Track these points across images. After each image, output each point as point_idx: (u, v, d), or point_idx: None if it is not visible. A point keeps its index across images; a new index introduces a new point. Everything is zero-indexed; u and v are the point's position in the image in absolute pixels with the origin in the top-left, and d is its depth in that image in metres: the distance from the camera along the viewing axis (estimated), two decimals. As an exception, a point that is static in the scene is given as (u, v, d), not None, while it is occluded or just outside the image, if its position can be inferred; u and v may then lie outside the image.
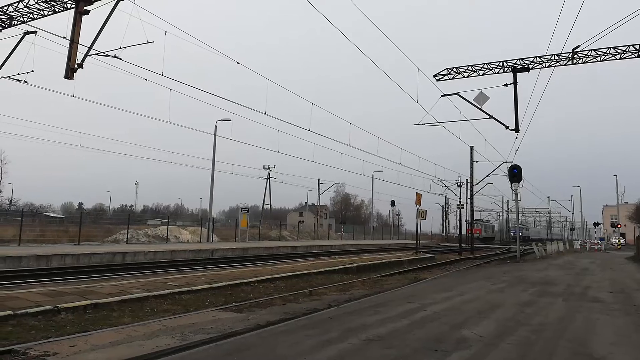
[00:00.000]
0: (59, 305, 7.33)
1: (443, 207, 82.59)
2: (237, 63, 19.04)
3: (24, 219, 25.76)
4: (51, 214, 65.58)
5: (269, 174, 64.99)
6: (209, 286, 10.43)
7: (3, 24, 17.89)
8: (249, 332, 6.33)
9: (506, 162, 30.40)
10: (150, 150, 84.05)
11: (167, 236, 32.97)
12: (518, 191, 28.17)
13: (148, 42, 15.59)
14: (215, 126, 33.68)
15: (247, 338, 6.02)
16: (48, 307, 7.19)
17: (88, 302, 7.77)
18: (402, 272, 17.68)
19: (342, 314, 7.81)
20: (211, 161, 34.49)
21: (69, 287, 9.07)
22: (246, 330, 6.44)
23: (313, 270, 14.78)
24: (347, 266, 16.78)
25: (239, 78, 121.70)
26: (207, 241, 33.47)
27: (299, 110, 24.89)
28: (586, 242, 52.47)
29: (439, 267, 21.48)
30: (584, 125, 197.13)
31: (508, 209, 75.81)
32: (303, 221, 74.65)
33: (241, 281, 11.52)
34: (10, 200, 61.86)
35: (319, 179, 67.98)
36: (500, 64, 19.23)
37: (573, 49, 16.95)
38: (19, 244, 21.87)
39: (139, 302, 8.42)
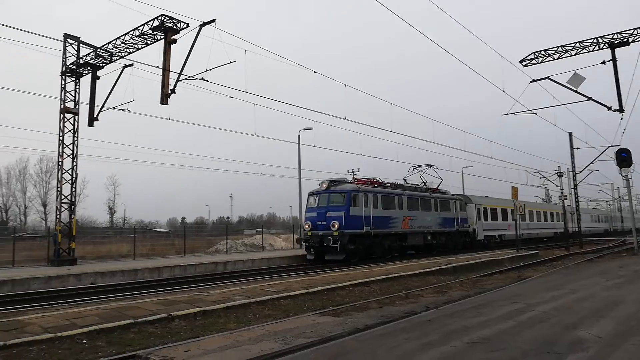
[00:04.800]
0: (172, 313, 7.94)
1: (543, 200, 77.22)
2: (314, 72, 19.45)
3: (137, 235, 28.24)
4: (159, 229, 71.26)
5: (354, 177, 65.20)
6: (305, 291, 10.68)
7: (105, 61, 20.00)
8: (348, 336, 6.38)
9: (612, 146, 27.66)
10: (241, 163, 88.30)
11: (262, 244, 34.33)
12: (629, 177, 25.47)
13: (230, 62, 16.45)
14: (299, 135, 34.43)
15: (347, 342, 6.07)
16: (163, 315, 7.82)
17: (197, 309, 8.33)
18: (503, 271, 16.77)
19: (441, 316, 7.59)
20: (297, 169, 35.42)
21: (179, 296, 9.78)
22: (345, 334, 6.50)
23: (407, 273, 14.53)
24: (442, 267, 16.28)
25: (318, 87, 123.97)
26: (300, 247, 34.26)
27: (379, 112, 24.77)
28: None
29: (544, 264, 20.05)
30: None
31: (619, 196, 68.79)
32: (392, 223, 73.19)
33: (336, 285, 11.64)
34: (124, 219, 68.58)
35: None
36: (595, 41, 17.63)
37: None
38: (134, 258, 24.03)
39: (243, 309, 8.85)
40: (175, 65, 17.07)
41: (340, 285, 11.77)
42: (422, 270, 15.21)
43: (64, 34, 20.54)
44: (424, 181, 30.01)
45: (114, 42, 18.82)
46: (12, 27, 14.77)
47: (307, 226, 22.17)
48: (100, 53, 19.66)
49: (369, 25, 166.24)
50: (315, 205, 22.34)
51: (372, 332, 6.62)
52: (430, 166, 29.86)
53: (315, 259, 21.76)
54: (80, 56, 20.44)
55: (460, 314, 7.61)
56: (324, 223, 21.39)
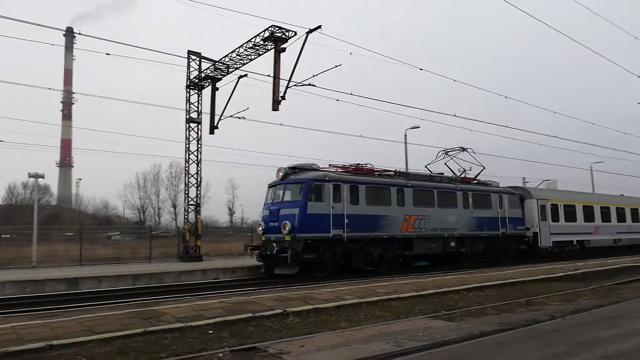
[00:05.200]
0: (287, 309, 8.30)
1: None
2: (421, 69, 19.05)
3: (253, 235, 29.98)
4: (272, 229, 74.69)
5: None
6: (416, 294, 10.48)
7: (222, 73, 21.60)
8: (463, 342, 6.13)
9: None
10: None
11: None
12: None
13: (336, 66, 16.76)
14: (405, 134, 33.88)
15: (461, 348, 5.83)
16: (278, 310, 8.21)
17: (310, 307, 8.61)
18: (645, 278, 14.80)
19: (568, 326, 6.96)
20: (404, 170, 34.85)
21: (292, 293, 10.19)
22: (459, 340, 6.25)
23: (528, 278, 13.53)
24: (569, 273, 14.87)
25: (424, 85, 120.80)
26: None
27: (491, 106, 23.37)
28: None
29: (697, 272, 17.30)
30: None
31: None
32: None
33: (448, 289, 11.25)
34: (242, 219, 73.38)
35: (523, 178, 62.11)
36: None
37: None
38: (251, 256, 25.54)
39: (353, 308, 8.95)
40: (283, 73, 17.88)
41: (452, 289, 11.35)
42: (546, 276, 14.06)
43: (188, 50, 22.57)
44: (462, 169, 23.45)
45: (229, 55, 20.27)
46: (143, 48, 16.54)
47: (260, 229, 16.77)
48: (218, 66, 21.30)
49: (477, 14, 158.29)
50: (270, 201, 16.73)
51: (490, 339, 6.29)
52: (464, 149, 23.04)
53: (266, 272, 16.47)
54: (202, 70, 22.34)
55: (592, 325, 6.91)
56: (276, 224, 15.78)
